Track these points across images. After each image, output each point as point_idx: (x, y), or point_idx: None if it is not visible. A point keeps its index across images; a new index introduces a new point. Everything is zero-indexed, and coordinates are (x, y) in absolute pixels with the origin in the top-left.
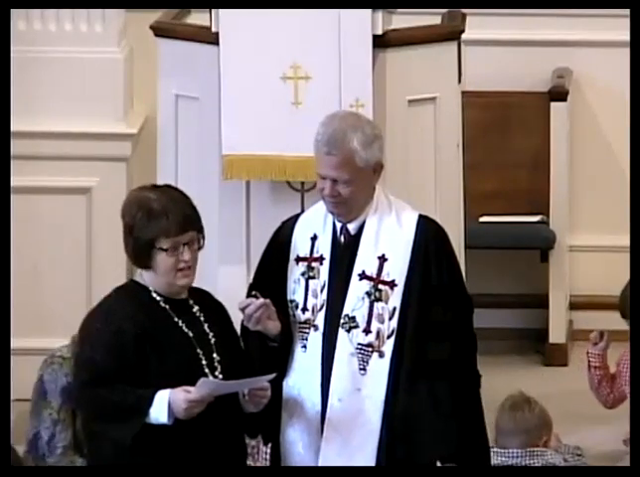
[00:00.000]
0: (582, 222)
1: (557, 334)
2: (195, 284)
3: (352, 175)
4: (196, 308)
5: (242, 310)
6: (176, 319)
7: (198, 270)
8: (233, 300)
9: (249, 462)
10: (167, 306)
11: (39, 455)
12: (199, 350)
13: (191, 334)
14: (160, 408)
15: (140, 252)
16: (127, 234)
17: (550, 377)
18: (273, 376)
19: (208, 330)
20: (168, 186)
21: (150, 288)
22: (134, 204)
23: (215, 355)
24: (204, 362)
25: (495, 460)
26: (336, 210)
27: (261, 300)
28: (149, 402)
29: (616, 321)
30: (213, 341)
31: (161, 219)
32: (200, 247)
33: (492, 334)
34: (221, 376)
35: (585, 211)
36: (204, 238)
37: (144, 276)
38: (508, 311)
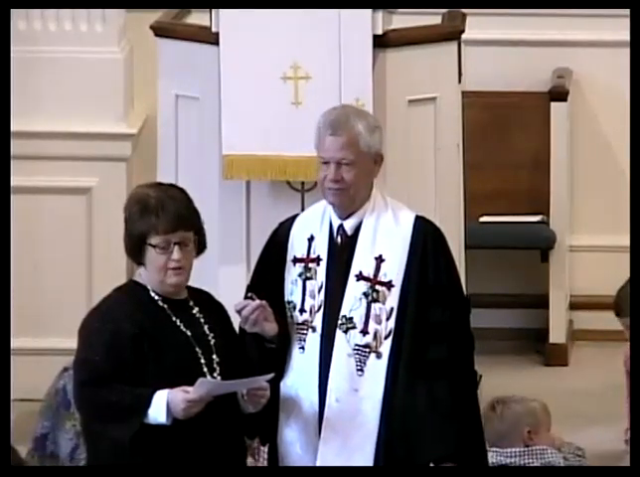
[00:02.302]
0: (582, 222)
1: (557, 334)
2: (195, 284)
3: (356, 157)
4: (196, 309)
5: (239, 312)
6: (174, 319)
7: (198, 270)
8: (233, 300)
9: (251, 461)
10: (165, 306)
11: (45, 454)
12: (197, 350)
13: (189, 333)
14: (158, 408)
15: (133, 247)
16: (125, 228)
17: (550, 377)
18: (272, 376)
19: (208, 331)
20: (171, 185)
21: (149, 288)
22: (133, 199)
23: (214, 356)
24: (202, 362)
25: (494, 460)
26: (337, 199)
27: (257, 302)
28: (147, 402)
29: (616, 321)
30: (212, 342)
31: (152, 215)
32: (199, 251)
33: (492, 334)
34: (219, 377)
35: (585, 211)
36: (203, 240)
37: (143, 276)
38: (508, 311)
